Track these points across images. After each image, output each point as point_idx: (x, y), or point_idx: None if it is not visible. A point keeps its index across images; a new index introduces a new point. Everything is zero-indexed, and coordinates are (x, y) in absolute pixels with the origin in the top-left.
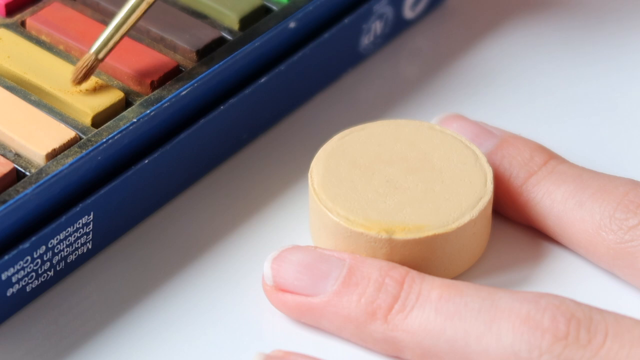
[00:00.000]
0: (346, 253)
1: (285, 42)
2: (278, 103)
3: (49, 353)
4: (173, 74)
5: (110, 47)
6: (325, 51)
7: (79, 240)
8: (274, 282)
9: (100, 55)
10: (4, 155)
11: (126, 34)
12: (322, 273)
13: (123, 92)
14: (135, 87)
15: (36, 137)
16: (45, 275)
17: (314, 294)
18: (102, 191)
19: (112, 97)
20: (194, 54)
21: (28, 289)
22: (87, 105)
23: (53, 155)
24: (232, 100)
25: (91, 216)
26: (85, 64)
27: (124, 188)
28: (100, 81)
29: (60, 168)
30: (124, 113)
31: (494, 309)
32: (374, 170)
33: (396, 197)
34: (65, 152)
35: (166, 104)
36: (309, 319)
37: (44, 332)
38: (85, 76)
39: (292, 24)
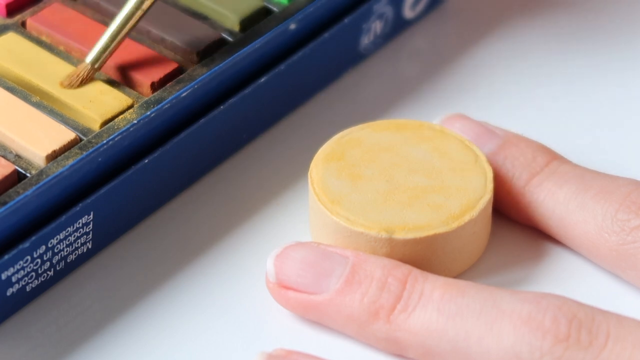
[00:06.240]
0: (349, 250)
1: (285, 44)
2: (278, 103)
3: (49, 353)
4: (173, 75)
5: (106, 57)
6: (325, 51)
7: (79, 240)
8: (276, 279)
9: (97, 66)
10: (4, 157)
11: (122, 42)
12: (324, 271)
13: (124, 93)
14: (135, 89)
15: (36, 139)
16: (45, 275)
17: (317, 291)
18: (102, 191)
19: (121, 103)
20: (195, 55)
21: (28, 288)
22: (96, 111)
23: (53, 156)
24: (232, 100)
25: (91, 216)
26: (81, 73)
27: (124, 188)
28: (107, 87)
29: (60, 169)
30: (125, 114)
31: (495, 310)
32: (374, 170)
33: (396, 196)
34: (66, 153)
35: (167, 106)
36: (312, 316)
37: (44, 332)
38: (80, 84)
39: (292, 26)
